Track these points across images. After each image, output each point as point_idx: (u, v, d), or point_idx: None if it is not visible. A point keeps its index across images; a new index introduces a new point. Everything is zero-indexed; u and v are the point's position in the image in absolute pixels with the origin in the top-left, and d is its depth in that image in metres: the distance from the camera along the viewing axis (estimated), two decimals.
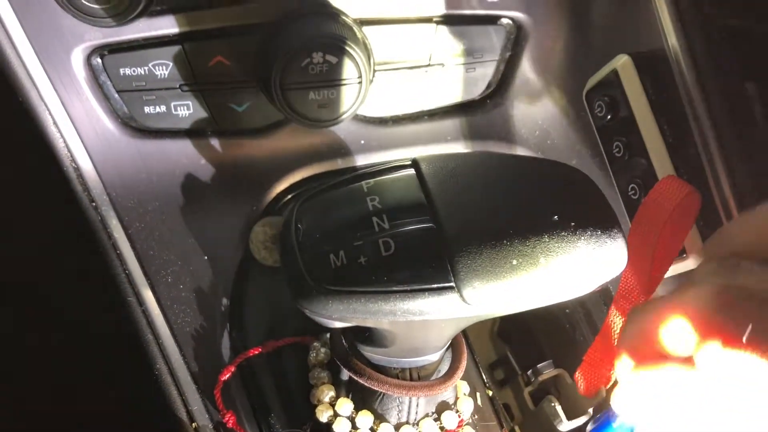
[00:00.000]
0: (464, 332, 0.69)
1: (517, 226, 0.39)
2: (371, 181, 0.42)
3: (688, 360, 0.34)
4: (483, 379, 0.63)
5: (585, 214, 0.41)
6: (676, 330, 0.34)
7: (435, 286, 0.38)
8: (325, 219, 0.41)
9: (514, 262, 0.38)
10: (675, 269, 0.54)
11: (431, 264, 0.38)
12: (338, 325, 0.43)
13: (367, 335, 0.47)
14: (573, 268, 0.40)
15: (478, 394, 0.60)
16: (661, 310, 0.36)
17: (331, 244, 0.39)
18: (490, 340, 0.75)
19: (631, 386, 0.38)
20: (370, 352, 0.48)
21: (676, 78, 0.53)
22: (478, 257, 0.38)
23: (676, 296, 0.36)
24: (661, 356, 0.36)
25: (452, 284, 0.38)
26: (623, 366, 0.38)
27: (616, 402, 0.39)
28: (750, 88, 0.53)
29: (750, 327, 0.30)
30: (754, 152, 0.52)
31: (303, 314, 0.56)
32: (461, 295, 0.38)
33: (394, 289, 0.38)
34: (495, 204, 0.41)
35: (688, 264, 0.53)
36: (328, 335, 0.57)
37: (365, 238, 0.39)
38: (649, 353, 0.37)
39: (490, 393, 0.62)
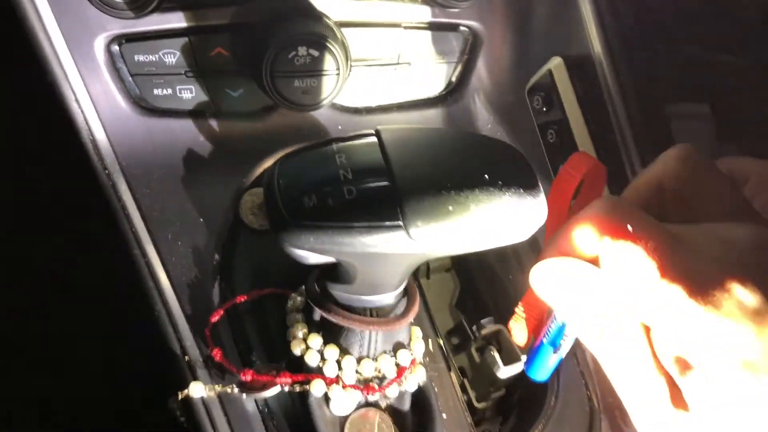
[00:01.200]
0: (425, 299, 0.79)
1: (455, 181, 0.49)
2: (341, 144, 0.52)
3: (595, 260, 0.39)
4: (435, 331, 0.73)
5: (511, 176, 0.51)
6: (580, 234, 0.39)
7: (387, 224, 0.48)
8: (302, 170, 0.51)
9: (450, 208, 0.48)
10: None
11: (384, 207, 0.48)
12: (312, 259, 0.53)
13: (334, 273, 0.57)
14: (498, 216, 0.49)
15: (430, 341, 0.70)
16: (568, 224, 0.41)
17: (306, 189, 0.49)
18: (448, 311, 0.85)
19: (548, 267, 0.41)
20: (337, 291, 0.58)
21: (599, 78, 0.63)
22: (421, 203, 0.48)
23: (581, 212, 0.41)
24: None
25: (400, 223, 0.47)
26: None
27: (532, 275, 0.42)
28: (658, 88, 0.64)
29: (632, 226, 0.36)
30: (661, 140, 0.62)
31: (283, 270, 0.66)
32: (407, 233, 0.47)
33: (354, 225, 0.48)
34: (438, 165, 0.51)
35: None
36: (303, 287, 0.67)
37: (333, 184, 0.49)
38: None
39: (441, 342, 0.72)
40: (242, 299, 0.66)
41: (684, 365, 0.36)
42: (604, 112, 0.63)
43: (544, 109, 0.67)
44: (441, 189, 0.49)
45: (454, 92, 0.76)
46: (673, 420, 0.38)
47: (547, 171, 0.68)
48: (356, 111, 0.75)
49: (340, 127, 0.74)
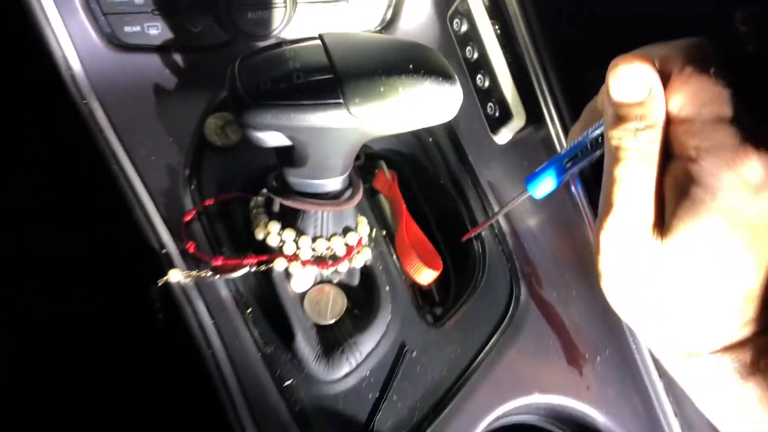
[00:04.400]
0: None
1: (386, 69, 0.60)
2: (290, 45, 0.63)
3: None
4: (378, 222, 0.83)
5: (431, 68, 0.62)
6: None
7: (330, 101, 0.58)
8: (258, 64, 0.62)
9: (382, 89, 0.59)
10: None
11: (328, 88, 0.59)
12: (270, 141, 0.62)
13: (289, 157, 0.67)
14: (422, 98, 0.60)
15: (374, 230, 0.81)
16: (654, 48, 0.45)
17: (262, 77, 0.60)
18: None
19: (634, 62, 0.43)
20: (293, 178, 0.68)
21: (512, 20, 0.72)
22: (358, 84, 0.58)
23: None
24: None
25: (341, 101, 0.58)
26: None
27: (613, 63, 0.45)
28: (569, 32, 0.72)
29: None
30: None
31: (245, 179, 0.76)
32: (348, 109, 0.58)
33: (303, 102, 0.58)
34: (372, 58, 0.62)
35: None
36: (264, 191, 0.77)
37: (284, 72, 0.59)
38: None
39: (384, 232, 0.83)
40: (210, 202, 0.76)
41: (690, 178, 0.40)
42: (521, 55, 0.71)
43: (463, 30, 0.78)
44: (374, 74, 0.60)
45: (389, 27, 0.88)
46: (646, 245, 0.43)
47: (477, 110, 0.78)
48: None
49: None
